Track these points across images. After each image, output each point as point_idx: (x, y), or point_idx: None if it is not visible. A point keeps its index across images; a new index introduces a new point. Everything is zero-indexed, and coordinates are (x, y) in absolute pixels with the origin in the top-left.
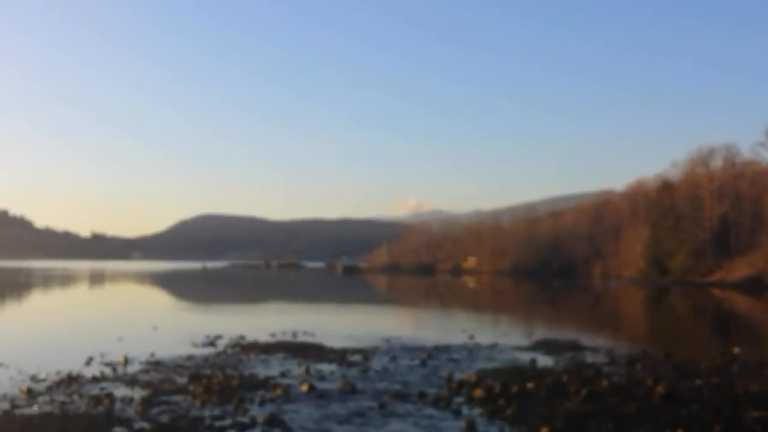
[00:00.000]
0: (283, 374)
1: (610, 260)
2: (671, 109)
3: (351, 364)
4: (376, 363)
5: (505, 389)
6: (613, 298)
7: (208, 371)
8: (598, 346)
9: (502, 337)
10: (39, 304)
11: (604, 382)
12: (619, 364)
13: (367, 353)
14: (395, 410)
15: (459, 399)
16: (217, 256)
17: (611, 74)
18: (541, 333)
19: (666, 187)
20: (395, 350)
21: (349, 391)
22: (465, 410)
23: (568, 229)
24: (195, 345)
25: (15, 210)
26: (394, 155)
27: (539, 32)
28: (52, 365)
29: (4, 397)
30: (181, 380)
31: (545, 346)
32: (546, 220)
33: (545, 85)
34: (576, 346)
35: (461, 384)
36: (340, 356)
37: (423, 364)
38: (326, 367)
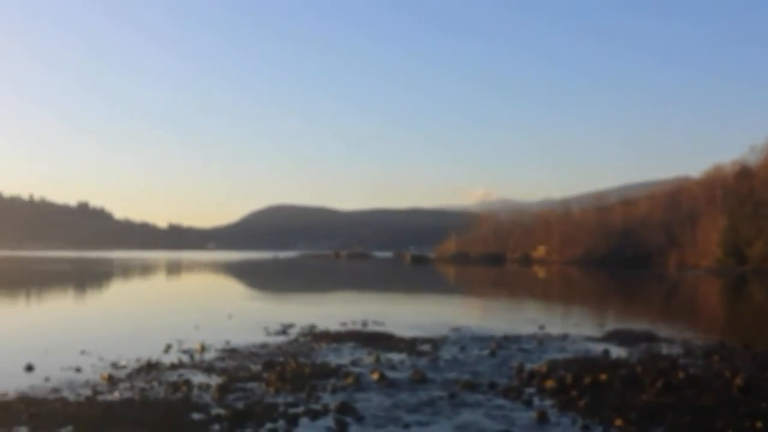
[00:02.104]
0: (354, 363)
1: (685, 249)
2: (749, 92)
3: (421, 354)
4: (446, 353)
5: (578, 380)
6: (688, 287)
7: (281, 359)
8: (673, 337)
9: (573, 327)
10: (119, 293)
11: (681, 374)
12: (696, 356)
13: (436, 343)
14: (465, 400)
15: (530, 390)
16: (287, 246)
17: (685, 57)
18: (613, 323)
19: (744, 173)
20: (464, 340)
21: (419, 380)
22: (536, 401)
23: (641, 217)
24: (268, 333)
25: (95, 202)
26: (462, 144)
27: (612, 15)
28: (132, 352)
29: (87, 383)
30: (256, 368)
31: (618, 337)
32: (618, 208)
33: (617, 69)
34: (650, 337)
35: (532, 374)
36: (409, 346)
37: (493, 354)
38: (396, 357)
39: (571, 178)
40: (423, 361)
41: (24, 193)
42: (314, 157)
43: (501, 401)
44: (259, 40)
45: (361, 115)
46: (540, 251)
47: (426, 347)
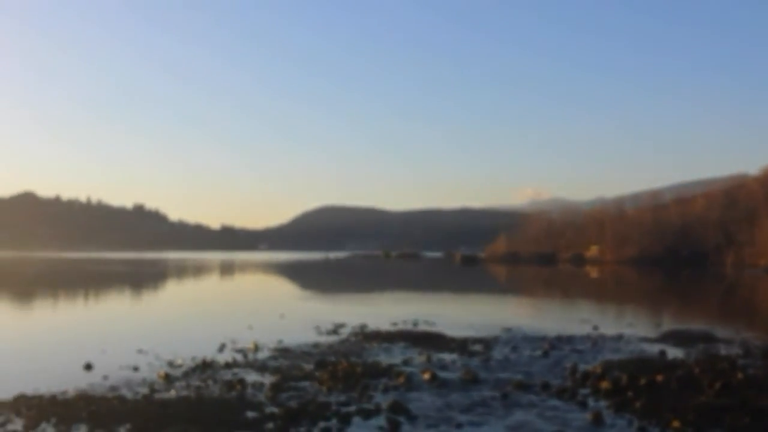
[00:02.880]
0: (405, 362)
1: (743, 248)
2: None
3: (472, 354)
4: (498, 353)
5: (633, 381)
6: (747, 287)
7: (333, 358)
8: (731, 337)
9: (628, 328)
10: (174, 293)
11: (739, 375)
12: (755, 356)
13: (488, 343)
14: (518, 400)
15: (584, 391)
16: (338, 246)
17: (740, 52)
18: (669, 324)
19: None
20: (516, 340)
21: (471, 380)
22: (591, 402)
23: (698, 215)
24: (320, 333)
25: (150, 204)
26: (512, 144)
27: (663, 19)
28: (188, 351)
29: (144, 381)
30: (308, 367)
31: (674, 338)
32: (673, 206)
33: (671, 67)
34: (708, 338)
35: (586, 375)
36: (460, 346)
37: (545, 354)
38: (447, 357)
39: (625, 176)
40: (474, 362)
41: (82, 196)
42: (364, 158)
43: (554, 402)
44: (307, 44)
45: (411, 116)
46: (593, 251)
47: (477, 347)
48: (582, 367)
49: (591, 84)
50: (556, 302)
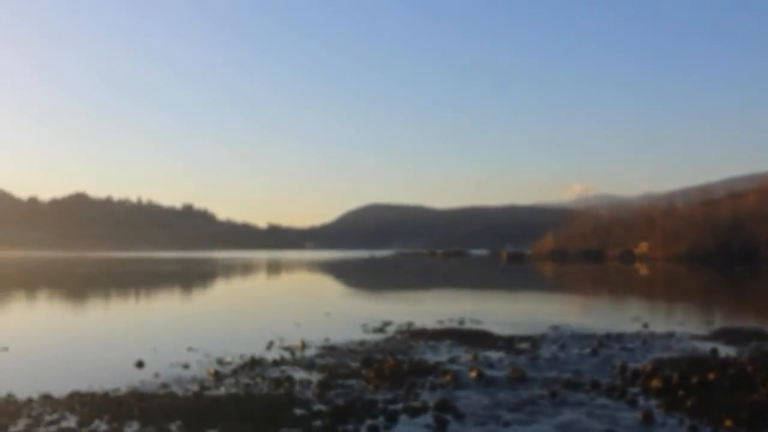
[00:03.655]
0: (452, 360)
1: None
2: None
3: (519, 352)
4: (545, 351)
5: (684, 380)
6: None
7: (379, 356)
8: None
9: (679, 325)
10: (222, 292)
11: None
12: None
13: (535, 341)
14: (567, 399)
15: (634, 389)
16: (383, 244)
17: None
18: (721, 321)
19: None
20: (564, 338)
21: (519, 378)
22: (641, 401)
23: (750, 210)
24: (366, 330)
25: (199, 204)
26: (559, 139)
27: (717, 12)
28: (237, 349)
29: (194, 379)
30: (354, 364)
31: (727, 335)
32: (725, 201)
33: (720, 59)
34: (761, 335)
35: (636, 374)
36: (507, 343)
37: (594, 352)
38: (494, 355)
39: (674, 171)
40: (522, 360)
41: (132, 197)
42: (409, 155)
43: (604, 401)
44: (355, 40)
45: (456, 112)
46: (642, 247)
47: (524, 345)
48: (632, 365)
49: (640, 77)
50: (604, 300)
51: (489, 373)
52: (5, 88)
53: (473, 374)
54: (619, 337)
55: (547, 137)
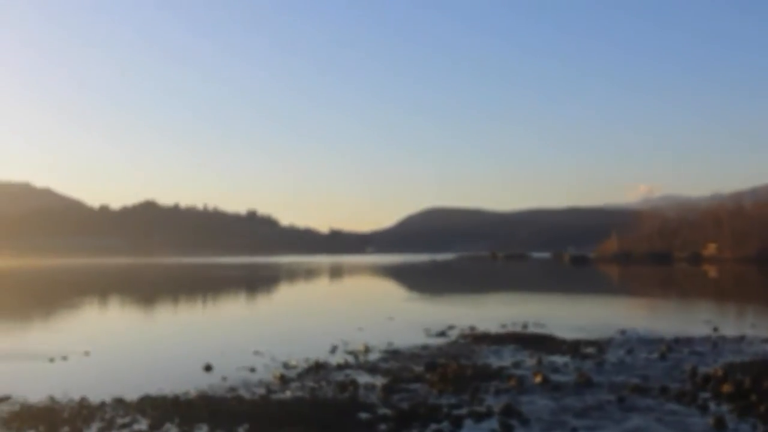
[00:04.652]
0: (516, 365)
1: None
2: None
3: (585, 357)
4: (612, 355)
5: (757, 384)
6: None
7: (442, 360)
8: None
9: (750, 328)
10: (287, 296)
11: None
12: None
13: (601, 345)
14: (635, 404)
15: (705, 394)
16: (444, 248)
17: None
18: None
19: None
20: (631, 342)
21: (585, 383)
22: (712, 406)
23: None
24: (429, 335)
25: (262, 210)
26: (622, 139)
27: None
28: (301, 353)
29: (261, 382)
30: (418, 369)
31: None
32: None
33: None
34: None
35: (707, 378)
36: (572, 348)
37: (663, 357)
38: (559, 359)
39: (743, 170)
40: (588, 364)
41: (199, 204)
42: (470, 159)
43: (674, 406)
44: (409, 51)
45: (515, 114)
46: (710, 249)
47: (590, 350)
48: (702, 369)
49: (706, 73)
50: (672, 303)
51: (554, 377)
52: (79, 103)
53: (538, 379)
54: (689, 341)
55: (611, 137)
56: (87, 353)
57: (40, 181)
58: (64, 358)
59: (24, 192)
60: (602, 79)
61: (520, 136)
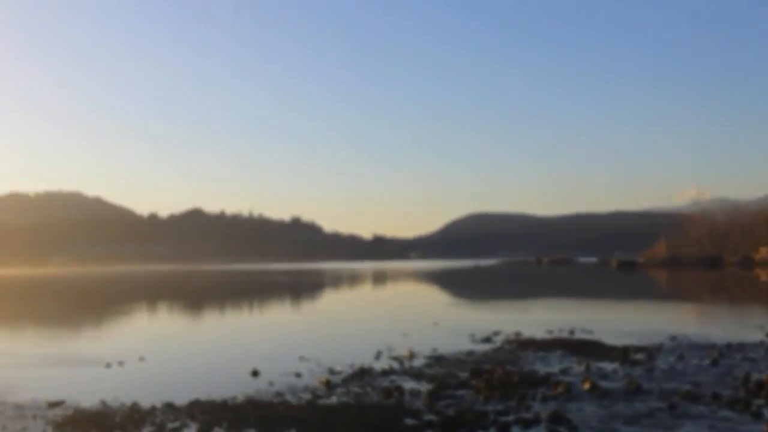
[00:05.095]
0: (563, 371)
1: None
2: None
3: (634, 363)
4: (662, 362)
5: None
6: None
7: (488, 367)
8: None
9: None
10: (331, 302)
11: None
12: None
13: (651, 351)
14: (687, 411)
15: (758, 401)
16: (487, 253)
17: None
18: None
19: None
20: (682, 348)
21: (635, 390)
22: (766, 413)
23: None
24: (473, 340)
25: (306, 217)
26: (669, 141)
27: None
28: (346, 358)
29: (306, 388)
30: (463, 375)
31: None
32: None
33: None
34: None
35: (760, 385)
36: (621, 354)
37: (714, 363)
38: (608, 366)
39: None
40: (637, 371)
41: (244, 211)
42: (513, 163)
43: (726, 413)
44: (451, 58)
45: (559, 118)
46: (762, 253)
47: (640, 356)
48: (755, 376)
49: (755, 72)
50: (723, 308)
51: (603, 384)
52: (128, 114)
53: (586, 385)
54: (741, 347)
55: (658, 140)
56: (142, 359)
57: (90, 190)
58: (121, 364)
59: (75, 201)
60: (649, 81)
61: (565, 139)
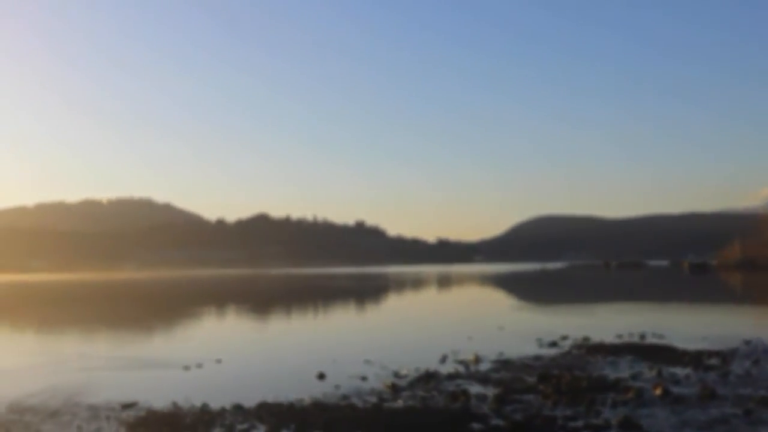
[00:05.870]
0: (634, 377)
1: None
2: None
3: (708, 368)
4: (737, 367)
5: None
6: None
7: (556, 371)
8: None
9: None
10: (396, 306)
11: None
12: None
13: (725, 356)
14: (763, 418)
15: None
16: (554, 256)
17: None
18: None
19: None
20: (758, 353)
21: (708, 396)
22: None
23: None
24: (540, 345)
25: (370, 221)
26: (744, 143)
27: None
28: (412, 362)
29: (372, 391)
30: (530, 379)
31: None
32: None
33: None
34: None
35: None
36: (694, 359)
37: None
38: (680, 371)
39: None
40: (711, 376)
41: (309, 215)
42: (581, 165)
43: None
44: (526, 52)
45: (627, 117)
46: None
47: (713, 361)
48: None
49: None
50: None
51: (675, 390)
52: (195, 125)
53: (658, 391)
54: None
55: (731, 139)
56: (219, 361)
57: (160, 196)
58: (199, 366)
59: (146, 207)
60: (722, 78)
61: (635, 140)
